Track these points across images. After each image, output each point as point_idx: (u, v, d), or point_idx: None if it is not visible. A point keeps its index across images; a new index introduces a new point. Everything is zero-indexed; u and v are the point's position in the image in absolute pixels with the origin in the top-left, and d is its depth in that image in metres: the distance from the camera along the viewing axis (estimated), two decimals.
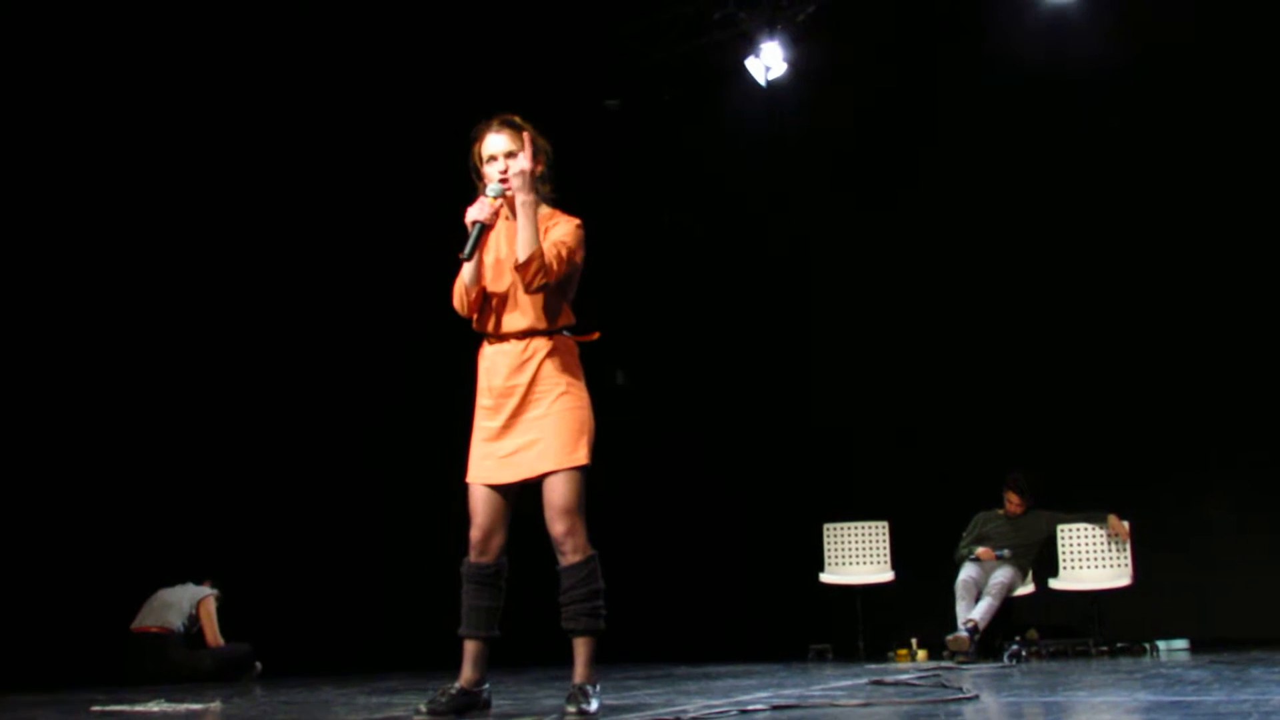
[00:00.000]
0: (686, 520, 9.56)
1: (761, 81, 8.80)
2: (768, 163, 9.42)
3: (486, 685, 3.69)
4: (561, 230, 3.66)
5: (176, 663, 6.74)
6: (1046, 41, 8.33)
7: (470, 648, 3.65)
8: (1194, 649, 7.26)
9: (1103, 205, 8.65)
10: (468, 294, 3.68)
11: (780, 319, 9.56)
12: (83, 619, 6.82)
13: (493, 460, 3.62)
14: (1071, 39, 8.26)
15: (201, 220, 7.76)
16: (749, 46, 8.78)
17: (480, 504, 3.64)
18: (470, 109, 3.92)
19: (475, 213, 3.64)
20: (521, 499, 3.69)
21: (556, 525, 3.52)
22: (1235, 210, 8.25)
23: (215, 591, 7.12)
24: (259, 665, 7.07)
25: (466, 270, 3.66)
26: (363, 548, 8.13)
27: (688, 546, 9.48)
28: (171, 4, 7.28)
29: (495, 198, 3.65)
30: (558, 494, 3.53)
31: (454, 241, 3.67)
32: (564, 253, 3.61)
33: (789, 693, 4.46)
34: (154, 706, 4.51)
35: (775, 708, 3.77)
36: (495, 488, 3.63)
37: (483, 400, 3.68)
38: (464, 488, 3.70)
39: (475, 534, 3.65)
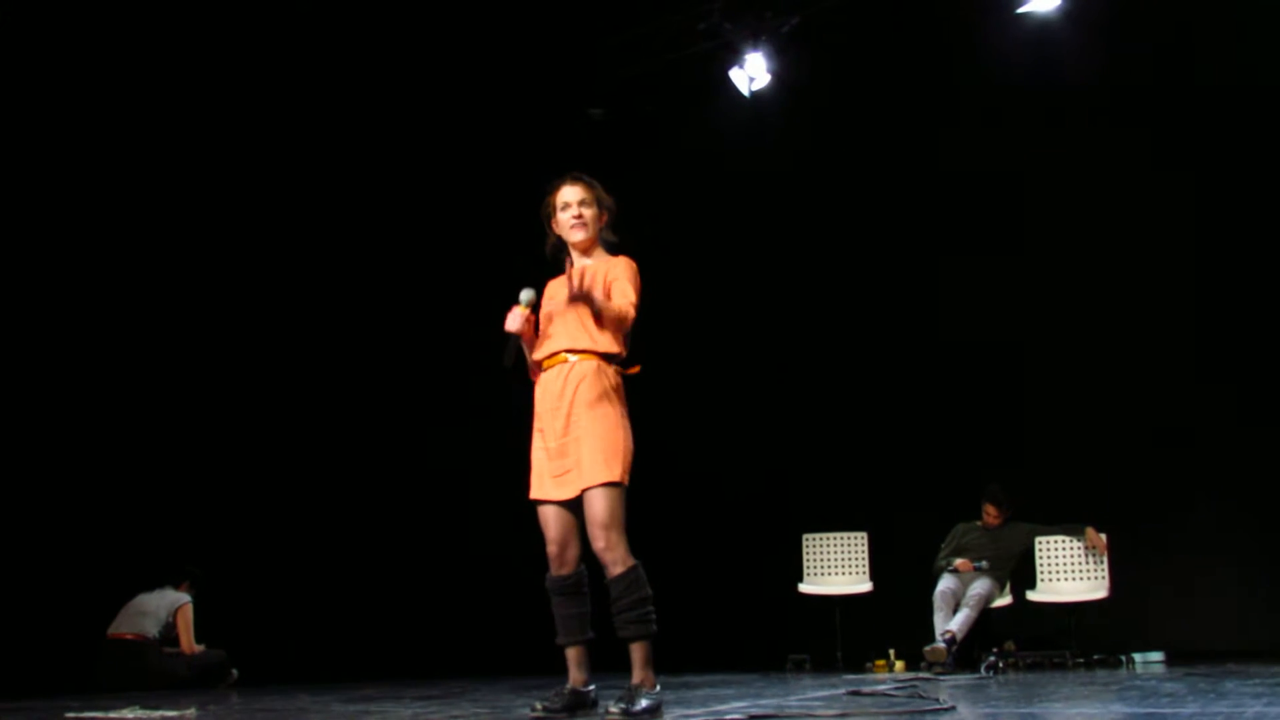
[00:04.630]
0: (664, 530, 9.52)
1: (745, 92, 8.82)
2: (751, 173, 9.42)
3: (593, 685, 3.94)
4: (623, 274, 4.05)
5: (152, 669, 6.70)
6: (1031, 53, 8.36)
7: (571, 654, 3.94)
8: (1170, 661, 7.29)
9: (1081, 214, 8.69)
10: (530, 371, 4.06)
11: (759, 329, 9.56)
12: (55, 624, 6.76)
13: (550, 479, 3.89)
14: (1056, 51, 8.29)
15: (204, 224, 7.75)
16: (733, 57, 8.79)
17: (549, 519, 3.92)
18: (464, 114, 4.01)
19: (510, 324, 3.94)
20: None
21: (596, 541, 3.79)
22: (1218, 219, 8.29)
23: (189, 599, 7.08)
24: (235, 672, 7.03)
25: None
26: (340, 556, 8.09)
27: (666, 556, 9.42)
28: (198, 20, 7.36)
29: (526, 306, 3.96)
30: (594, 509, 3.78)
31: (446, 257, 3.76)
32: (632, 304, 4.05)
33: (766, 703, 4.47)
34: (128, 714, 4.48)
35: (753, 717, 3.78)
36: (560, 503, 3.87)
37: (538, 424, 3.97)
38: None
39: (551, 549, 3.93)
